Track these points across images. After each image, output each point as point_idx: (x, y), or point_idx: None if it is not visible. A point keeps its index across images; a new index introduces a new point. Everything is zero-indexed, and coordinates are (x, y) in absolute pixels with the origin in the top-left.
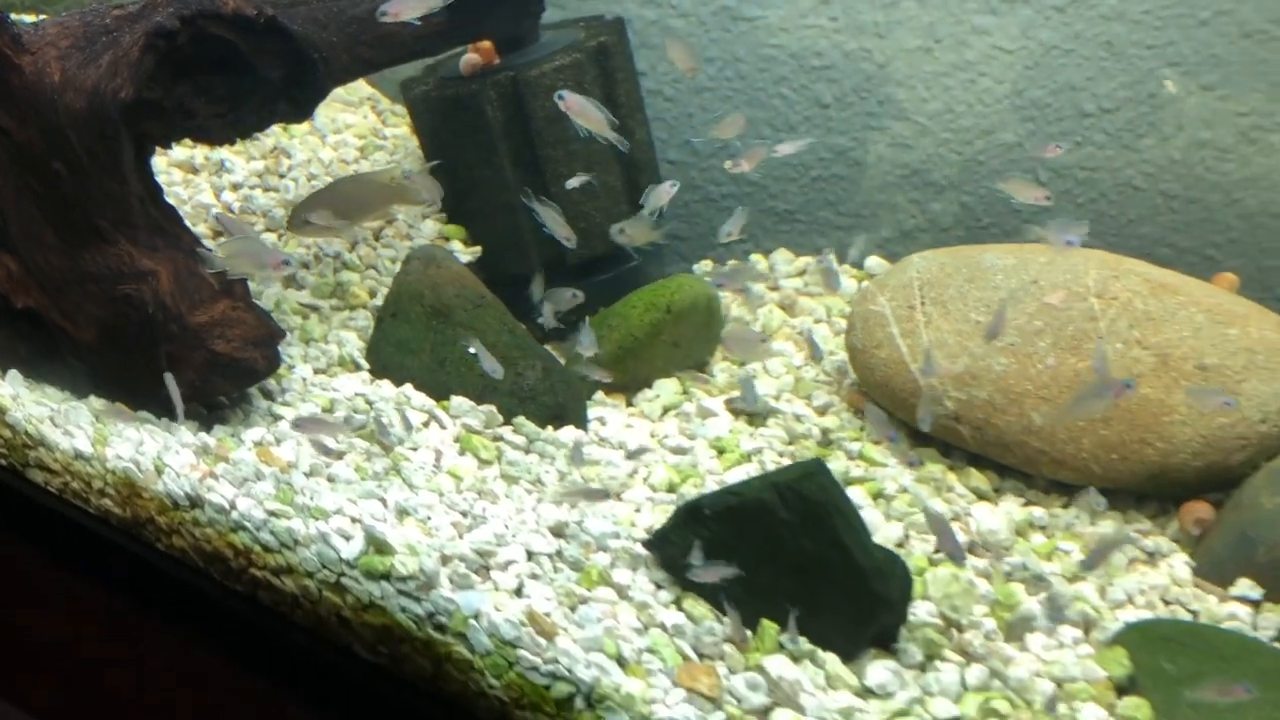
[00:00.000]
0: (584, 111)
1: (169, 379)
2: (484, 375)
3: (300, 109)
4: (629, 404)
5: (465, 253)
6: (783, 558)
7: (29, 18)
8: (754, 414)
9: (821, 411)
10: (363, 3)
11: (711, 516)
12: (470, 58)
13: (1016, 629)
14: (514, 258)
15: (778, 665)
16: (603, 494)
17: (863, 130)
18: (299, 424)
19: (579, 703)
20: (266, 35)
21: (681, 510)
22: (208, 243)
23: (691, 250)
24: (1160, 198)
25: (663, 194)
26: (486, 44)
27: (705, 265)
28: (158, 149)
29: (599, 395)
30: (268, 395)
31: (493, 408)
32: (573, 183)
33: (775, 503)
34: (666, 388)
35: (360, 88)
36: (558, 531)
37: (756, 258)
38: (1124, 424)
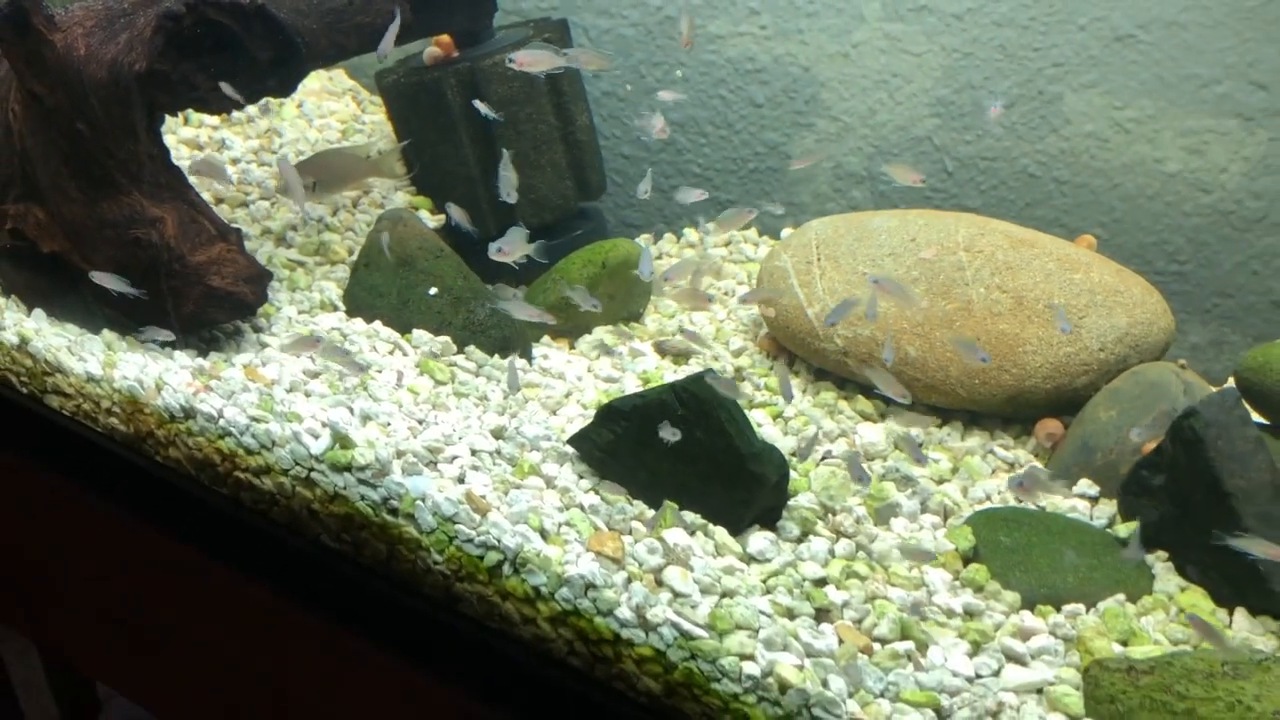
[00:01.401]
0: (534, 60)
1: (94, 276)
2: (440, 312)
3: (285, 85)
4: (571, 347)
5: (432, 220)
6: (680, 448)
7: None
8: (678, 354)
9: (737, 354)
10: None
11: (623, 415)
12: (432, 50)
13: (883, 514)
14: (473, 224)
15: (674, 535)
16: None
17: (792, 127)
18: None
19: (506, 569)
20: (257, 21)
21: (600, 411)
22: (211, 203)
23: (637, 232)
24: (1053, 183)
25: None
26: (446, 39)
27: (645, 238)
28: (167, 119)
29: (546, 339)
30: (258, 330)
31: (448, 339)
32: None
33: (673, 401)
34: (605, 334)
35: (342, 80)
36: (498, 434)
37: (688, 230)
38: (986, 353)
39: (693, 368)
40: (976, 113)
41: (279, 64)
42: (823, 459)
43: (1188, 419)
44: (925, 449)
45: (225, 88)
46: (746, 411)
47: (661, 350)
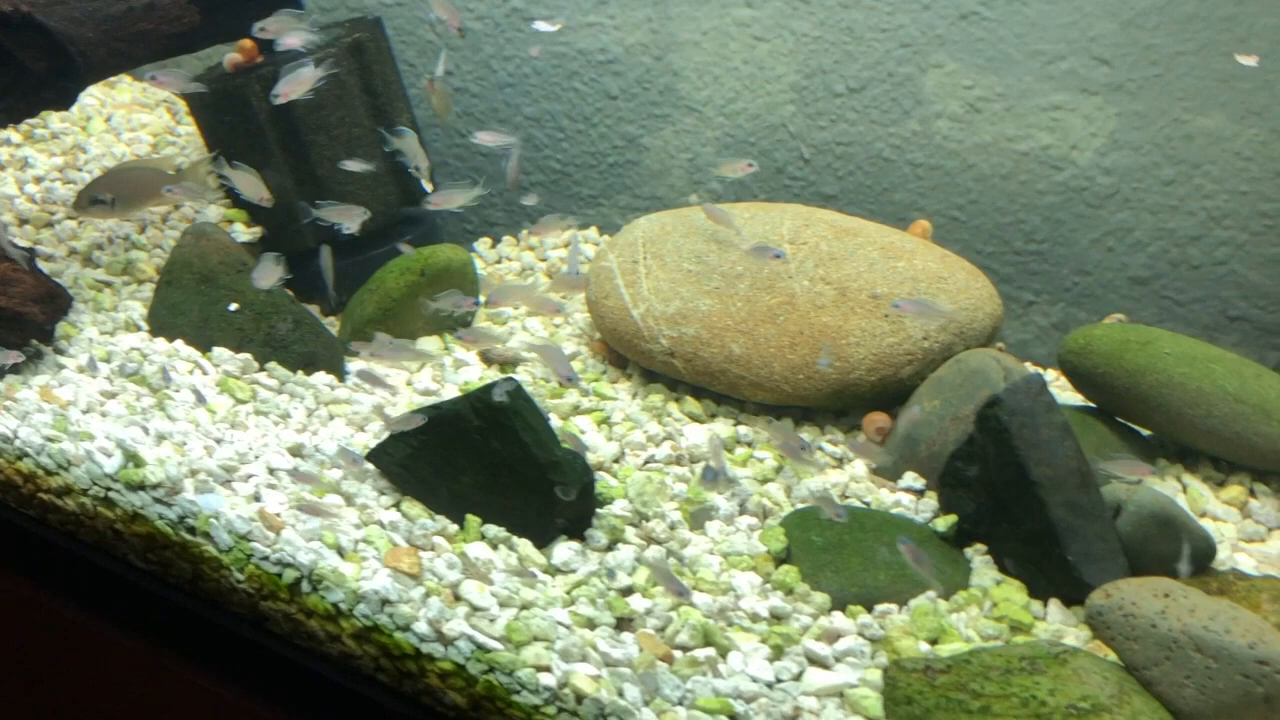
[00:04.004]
0: (296, 83)
1: None
2: (241, 328)
3: (64, 97)
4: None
5: (246, 233)
6: (479, 460)
7: None
8: (505, 362)
9: (569, 359)
10: (118, 3)
11: (420, 427)
12: (232, 56)
13: (698, 518)
14: (290, 236)
15: (476, 549)
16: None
17: (648, 119)
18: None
19: (305, 586)
20: (25, 31)
21: None
22: (13, 223)
23: (486, 233)
24: (908, 167)
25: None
26: (248, 43)
27: (484, 243)
28: None
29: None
30: (59, 352)
31: (249, 356)
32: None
33: (468, 412)
34: (430, 344)
35: (156, 91)
36: (296, 451)
37: (526, 235)
38: (808, 348)
39: (520, 376)
40: (828, 98)
41: (55, 75)
42: (646, 464)
43: (992, 408)
44: (752, 448)
45: None
46: (571, 419)
47: (488, 359)
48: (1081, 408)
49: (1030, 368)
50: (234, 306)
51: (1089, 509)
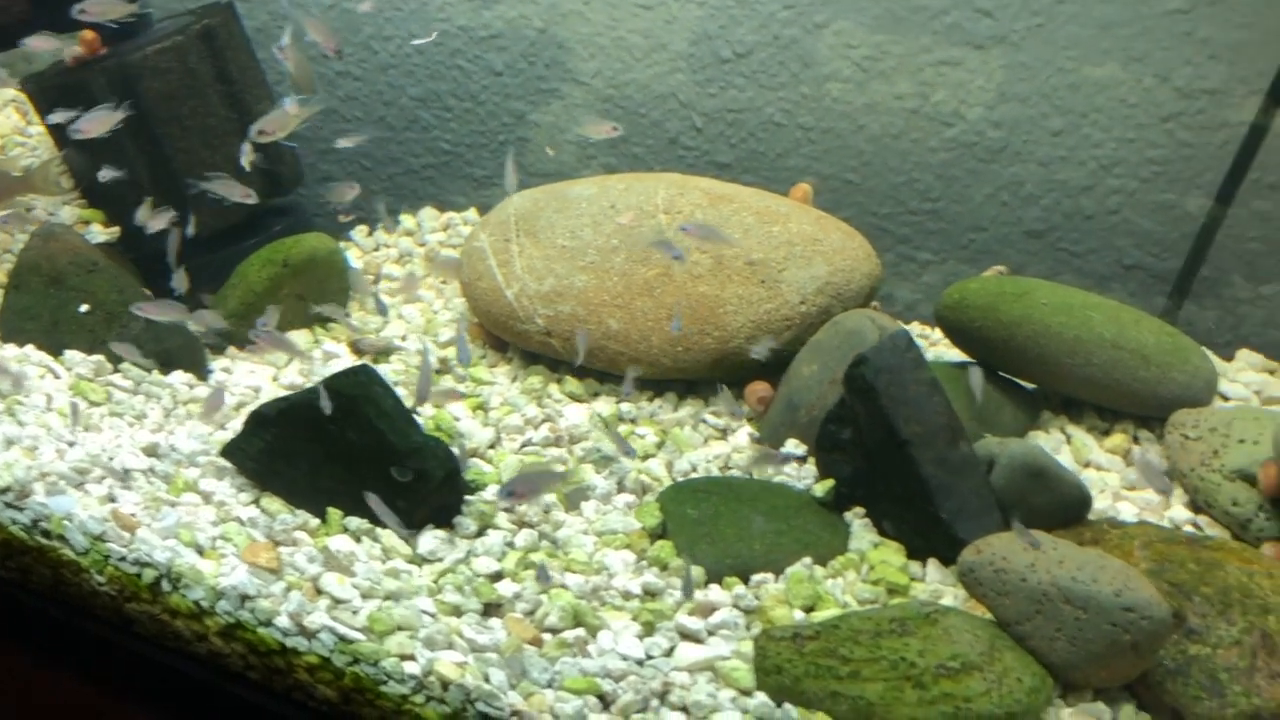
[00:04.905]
0: (96, 123)
1: None
2: (93, 330)
3: None
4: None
5: (104, 234)
6: (335, 451)
7: None
8: (378, 353)
9: (445, 345)
10: None
11: (272, 420)
12: (73, 50)
13: (574, 499)
14: (148, 236)
15: (338, 543)
16: None
17: (536, 94)
18: None
19: (165, 585)
20: None
21: (249, 418)
22: None
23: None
24: (799, 131)
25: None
26: (90, 35)
27: (361, 231)
28: None
29: (231, 350)
30: None
31: (101, 358)
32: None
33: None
34: (298, 338)
35: (3, 89)
36: (150, 451)
37: (405, 216)
38: (685, 319)
39: (393, 365)
40: (716, 64)
41: None
42: (522, 447)
43: (858, 367)
44: (635, 424)
45: None
46: (445, 408)
47: (358, 350)
48: (963, 364)
49: (919, 327)
50: (85, 308)
51: (960, 465)
